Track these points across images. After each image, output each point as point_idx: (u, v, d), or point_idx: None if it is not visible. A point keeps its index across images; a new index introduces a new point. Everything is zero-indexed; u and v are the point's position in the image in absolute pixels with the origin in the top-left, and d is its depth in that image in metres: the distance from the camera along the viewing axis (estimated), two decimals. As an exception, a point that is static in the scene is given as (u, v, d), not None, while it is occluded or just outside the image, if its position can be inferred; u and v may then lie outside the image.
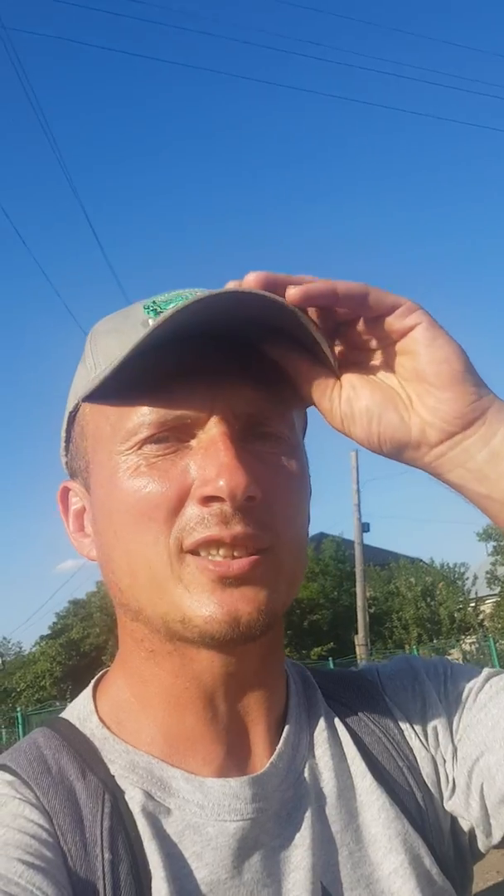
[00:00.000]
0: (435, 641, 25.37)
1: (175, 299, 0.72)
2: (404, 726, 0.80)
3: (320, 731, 0.77)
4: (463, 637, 25.75)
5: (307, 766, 0.74)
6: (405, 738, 0.79)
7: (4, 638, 38.97)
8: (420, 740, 0.79)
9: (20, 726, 20.09)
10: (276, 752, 0.72)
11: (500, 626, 26.44)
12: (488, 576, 27.97)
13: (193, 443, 0.67)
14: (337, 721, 0.79)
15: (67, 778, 0.68)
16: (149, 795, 0.68)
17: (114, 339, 0.71)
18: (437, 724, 0.79)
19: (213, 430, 0.67)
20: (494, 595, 28.04)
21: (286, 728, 0.75)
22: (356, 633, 21.42)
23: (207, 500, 0.64)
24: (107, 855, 0.63)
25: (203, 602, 0.64)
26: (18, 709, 22.79)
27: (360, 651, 21.62)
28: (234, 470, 0.63)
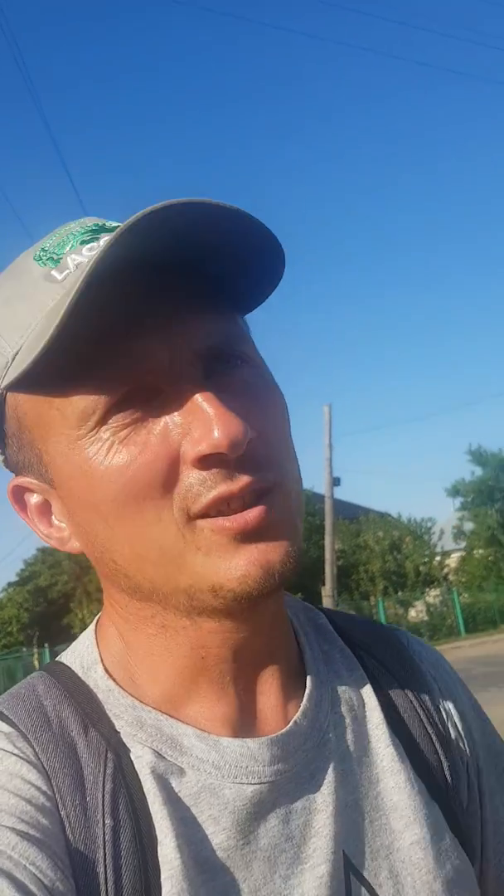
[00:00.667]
0: (400, 594, 25.83)
1: (68, 239, 0.62)
2: (441, 701, 0.75)
3: (342, 686, 0.72)
4: (427, 590, 26.22)
5: (330, 724, 0.69)
6: (440, 710, 0.75)
7: (-28, 584, 38.93)
8: (455, 723, 0.75)
9: (-13, 671, 20.18)
10: (299, 710, 0.67)
11: (463, 579, 27.02)
12: (454, 531, 28.50)
13: (163, 399, 0.59)
14: (362, 674, 0.74)
15: (69, 733, 0.62)
16: (158, 755, 0.62)
17: (20, 306, 0.61)
18: (473, 742, 0.76)
19: (180, 381, 0.59)
20: (460, 549, 28.63)
21: (308, 683, 0.70)
22: (323, 584, 21.70)
23: (204, 458, 0.57)
24: (108, 821, 0.58)
25: (232, 563, 0.58)
26: (-15, 654, 22.87)
27: (326, 602, 21.90)
28: (227, 418, 0.56)
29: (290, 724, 0.66)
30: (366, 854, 0.65)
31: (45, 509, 0.67)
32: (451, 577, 28.13)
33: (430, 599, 25.24)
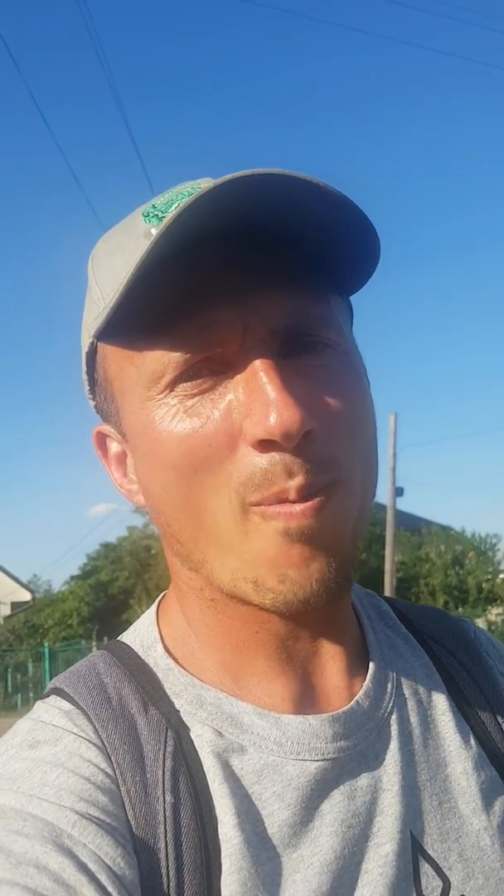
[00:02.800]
0: (461, 610, 25.37)
1: (177, 199, 0.62)
2: None
3: (406, 669, 0.71)
4: (489, 608, 25.71)
5: (394, 706, 0.68)
6: None
7: (35, 575, 39.83)
8: None
9: (46, 661, 20.63)
10: (362, 689, 0.67)
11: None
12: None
13: (232, 373, 0.58)
14: (427, 661, 0.73)
15: (129, 711, 0.63)
16: (218, 733, 0.62)
17: (118, 259, 0.62)
18: None
19: (250, 358, 0.57)
20: (524, 568, 27.94)
21: (371, 665, 0.69)
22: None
23: (262, 444, 0.56)
24: (168, 798, 0.58)
25: (275, 558, 0.57)
26: (46, 644, 23.35)
27: (384, 614, 21.69)
28: (284, 404, 0.55)
29: (353, 702, 0.66)
30: (434, 836, 0.64)
31: (123, 459, 0.69)
32: (514, 596, 27.49)
33: (491, 617, 24.76)
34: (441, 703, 0.70)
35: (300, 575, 0.57)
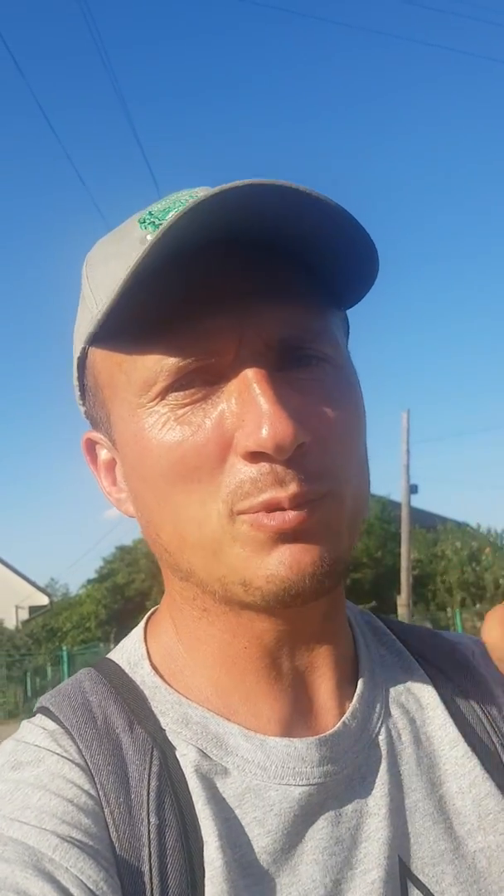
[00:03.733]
0: (478, 606, 25.27)
1: (174, 206, 0.61)
2: None
3: (399, 687, 0.70)
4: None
5: (383, 726, 0.66)
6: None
7: (52, 579, 40.00)
8: None
9: (65, 664, 20.71)
10: (349, 710, 0.65)
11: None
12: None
13: (225, 384, 0.58)
14: (422, 676, 0.72)
15: (114, 730, 0.62)
16: (203, 754, 0.61)
17: (113, 265, 0.61)
18: None
19: (244, 369, 0.57)
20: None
21: (360, 683, 0.68)
22: (398, 593, 21.44)
23: (253, 456, 0.56)
24: (153, 819, 0.57)
25: (262, 561, 0.57)
26: (64, 647, 23.44)
27: (402, 611, 21.64)
28: (277, 418, 0.54)
29: (339, 724, 0.64)
30: (425, 859, 0.62)
31: (112, 466, 0.69)
32: (531, 592, 27.35)
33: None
34: (436, 720, 0.69)
35: (291, 572, 0.57)
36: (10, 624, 32.69)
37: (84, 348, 0.65)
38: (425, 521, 30.55)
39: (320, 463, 0.58)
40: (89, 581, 33.20)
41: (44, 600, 35.19)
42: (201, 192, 0.61)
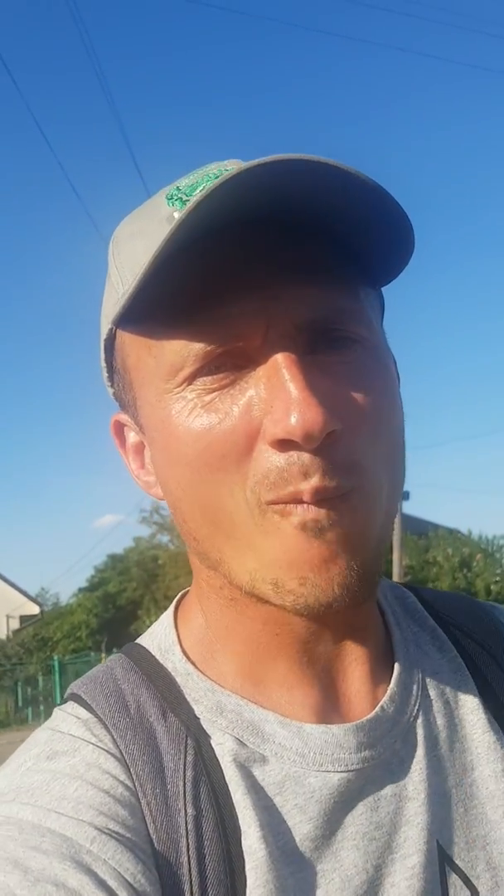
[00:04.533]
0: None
1: (202, 181, 0.59)
2: None
3: (433, 668, 0.68)
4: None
5: (420, 709, 0.65)
6: None
7: (43, 588, 39.77)
8: None
9: (56, 674, 20.60)
10: (386, 695, 0.64)
11: (536, 600, 26.28)
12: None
13: (254, 369, 0.56)
14: (455, 656, 0.70)
15: (147, 719, 0.61)
16: (239, 742, 0.60)
17: (139, 244, 0.59)
18: None
19: (273, 353, 0.55)
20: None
21: (396, 667, 0.66)
22: (390, 600, 21.46)
23: (281, 443, 0.54)
24: (190, 810, 0.56)
25: (294, 558, 0.55)
26: (56, 657, 23.32)
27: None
28: (307, 404, 0.52)
29: (377, 709, 0.63)
30: (461, 845, 0.62)
31: (141, 450, 0.67)
32: (523, 597, 27.40)
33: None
34: (470, 702, 0.67)
35: (321, 578, 0.55)
36: (1, 633, 32.55)
37: (111, 329, 0.63)
38: (417, 528, 30.59)
39: (350, 454, 0.55)
40: (80, 590, 33.10)
41: (34, 610, 35.00)
42: (231, 166, 0.59)
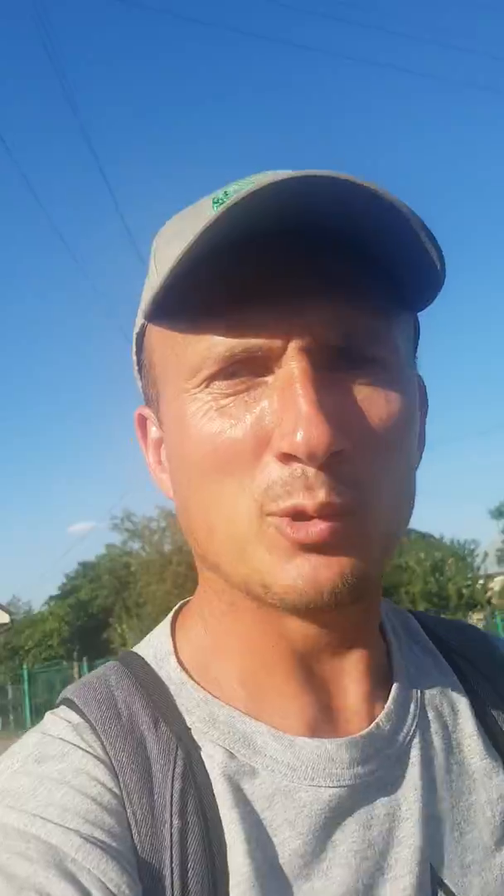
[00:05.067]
0: (442, 617, 25.50)
1: (246, 187, 0.57)
2: None
3: (432, 690, 0.68)
4: (470, 613, 25.82)
5: (417, 730, 0.64)
6: None
7: (14, 596, 39.42)
8: None
9: (26, 683, 20.44)
10: (383, 712, 0.63)
11: (507, 604, 26.53)
12: (499, 553, 28.09)
13: (270, 379, 0.56)
14: (455, 680, 0.70)
15: (138, 727, 0.60)
16: (230, 754, 0.59)
17: (177, 246, 0.58)
18: None
19: (290, 366, 0.55)
20: (503, 573, 28.16)
21: (394, 686, 0.66)
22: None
23: (286, 457, 0.54)
24: (176, 821, 0.55)
25: (282, 570, 0.56)
26: (25, 666, 23.13)
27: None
28: (314, 421, 0.52)
29: (372, 725, 0.62)
30: (454, 869, 0.61)
31: (160, 445, 0.68)
32: (494, 601, 27.66)
33: (472, 623, 24.89)
34: (467, 727, 0.67)
35: (308, 587, 0.55)
36: (-29, 643, 32.16)
37: (143, 324, 0.64)
38: (389, 533, 30.74)
39: (357, 472, 0.56)
40: (52, 598, 32.88)
41: (5, 618, 34.69)
42: (283, 174, 0.57)
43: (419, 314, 0.66)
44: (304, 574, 0.55)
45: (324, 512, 0.54)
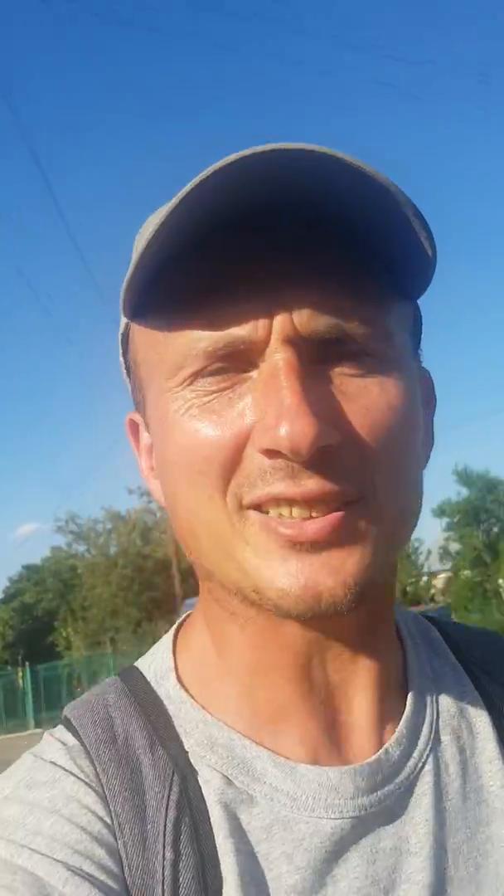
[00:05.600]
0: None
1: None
2: None
3: (450, 710, 0.63)
4: (414, 610, 26.25)
5: (431, 754, 0.60)
6: None
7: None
8: None
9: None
10: (393, 737, 0.59)
11: (450, 600, 27.00)
12: (441, 551, 28.53)
13: (255, 374, 0.53)
14: (476, 697, 0.65)
15: (134, 751, 0.57)
16: (228, 780, 0.56)
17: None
18: None
19: (274, 358, 0.52)
20: (446, 570, 28.65)
21: (409, 703, 0.62)
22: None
23: (269, 453, 0.51)
24: (168, 854, 0.53)
25: (274, 573, 0.52)
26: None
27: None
28: (298, 415, 0.49)
29: (381, 752, 0.58)
30: None
31: (151, 450, 0.64)
32: (437, 598, 28.15)
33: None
34: (489, 750, 0.62)
35: (305, 593, 0.51)
36: None
37: (127, 324, 0.61)
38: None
39: (352, 463, 0.52)
40: (-6, 602, 32.31)
41: None
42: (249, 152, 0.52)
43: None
44: (300, 578, 0.51)
45: (315, 501, 0.51)
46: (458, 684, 0.66)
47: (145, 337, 0.58)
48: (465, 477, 28.34)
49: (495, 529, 27.63)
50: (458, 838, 0.58)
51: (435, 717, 0.62)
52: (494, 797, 0.60)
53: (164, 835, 0.53)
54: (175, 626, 0.68)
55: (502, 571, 25.97)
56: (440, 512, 28.39)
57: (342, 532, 0.52)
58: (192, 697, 0.61)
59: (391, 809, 0.57)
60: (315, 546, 0.51)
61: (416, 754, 0.60)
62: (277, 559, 0.52)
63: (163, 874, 0.52)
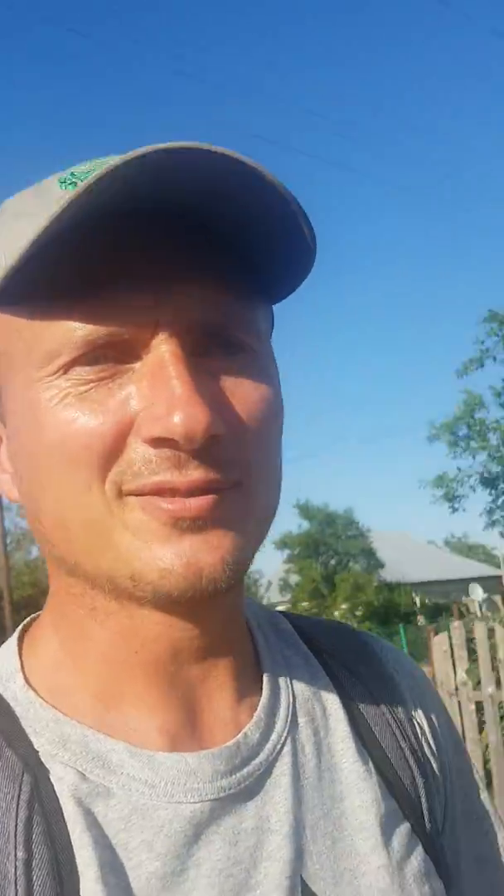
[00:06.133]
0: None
1: (99, 168, 0.52)
2: (415, 714, 0.69)
3: (303, 694, 0.65)
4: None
5: (289, 737, 0.62)
6: (414, 723, 0.69)
7: None
8: (428, 739, 0.69)
9: None
10: (251, 721, 0.61)
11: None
12: (281, 583, 29.13)
13: (137, 365, 0.53)
14: (327, 682, 0.67)
15: None
16: (82, 776, 0.55)
17: (24, 223, 0.53)
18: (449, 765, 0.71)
19: (160, 350, 0.52)
20: (285, 602, 29.22)
21: (264, 690, 0.63)
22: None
23: (157, 441, 0.51)
24: (21, 853, 0.51)
25: (156, 552, 0.52)
26: None
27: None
28: (192, 404, 0.50)
29: (239, 735, 0.60)
30: (327, 879, 0.59)
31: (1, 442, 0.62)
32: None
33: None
34: (340, 730, 0.65)
35: (188, 570, 0.52)
36: None
37: None
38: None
39: (232, 453, 0.54)
40: None
41: None
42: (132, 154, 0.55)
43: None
44: (184, 555, 0.52)
45: (196, 490, 0.52)
46: (310, 670, 0.68)
47: (9, 325, 0.56)
48: (305, 510, 29.14)
49: (332, 562, 28.53)
50: (315, 815, 0.60)
51: (291, 700, 0.65)
52: (347, 773, 0.63)
53: (16, 835, 0.52)
54: (19, 629, 0.66)
55: (338, 604, 26.77)
56: (282, 544, 29.00)
57: (221, 512, 0.53)
58: (42, 698, 0.59)
59: (251, 790, 0.58)
60: (195, 524, 0.52)
61: (273, 737, 0.61)
62: (160, 538, 0.53)
63: (15, 874, 0.51)
